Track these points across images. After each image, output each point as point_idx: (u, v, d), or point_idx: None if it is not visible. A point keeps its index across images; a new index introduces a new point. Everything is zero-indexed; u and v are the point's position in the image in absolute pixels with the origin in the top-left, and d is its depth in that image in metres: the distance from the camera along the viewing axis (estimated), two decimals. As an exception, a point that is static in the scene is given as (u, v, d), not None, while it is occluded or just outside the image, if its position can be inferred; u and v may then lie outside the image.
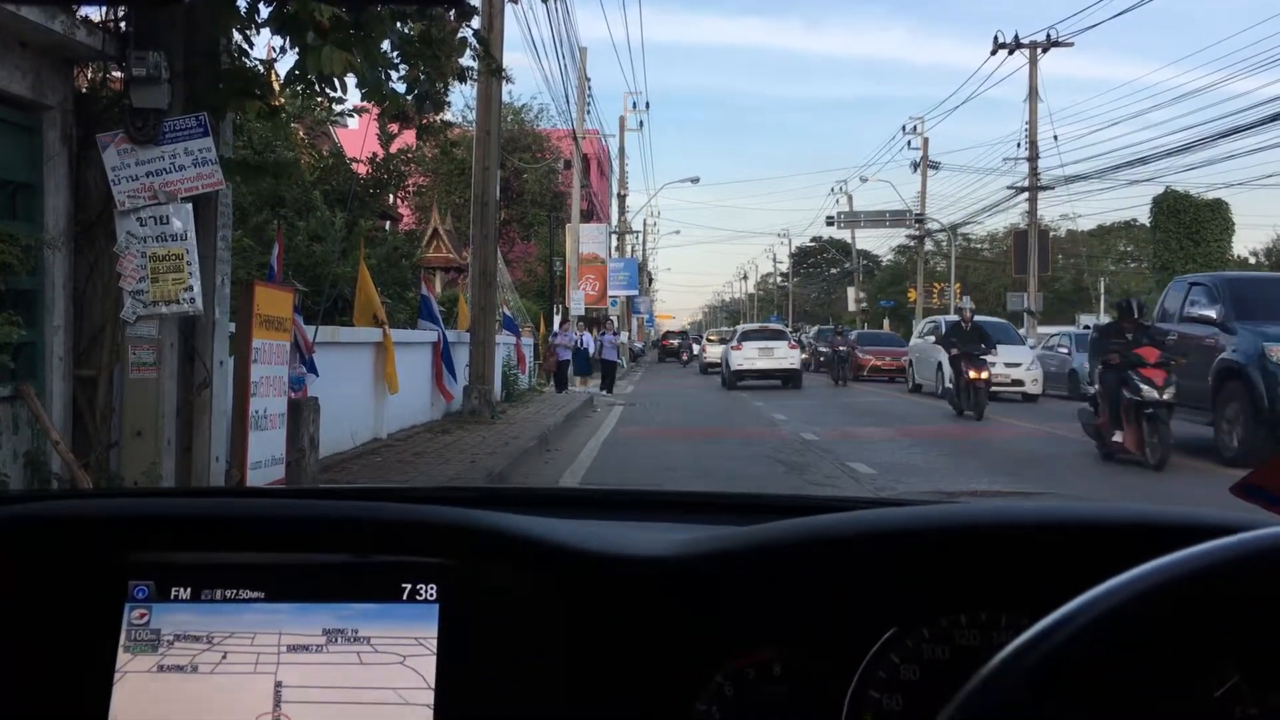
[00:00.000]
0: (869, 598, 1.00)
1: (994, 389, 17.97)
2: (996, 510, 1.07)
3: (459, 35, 6.65)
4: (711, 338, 41.68)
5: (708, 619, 1.01)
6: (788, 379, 27.03)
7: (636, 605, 1.02)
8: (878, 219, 50.24)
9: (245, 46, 6.29)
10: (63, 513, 1.16)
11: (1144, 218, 39.83)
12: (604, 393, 23.28)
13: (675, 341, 53.94)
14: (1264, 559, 0.62)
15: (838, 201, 60.91)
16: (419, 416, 13.88)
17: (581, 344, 26.17)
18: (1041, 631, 0.61)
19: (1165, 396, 10.23)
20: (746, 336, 28.52)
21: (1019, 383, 21.67)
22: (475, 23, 7.14)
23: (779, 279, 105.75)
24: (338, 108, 16.53)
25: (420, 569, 1.03)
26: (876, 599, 1.00)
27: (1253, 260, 53.85)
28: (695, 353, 45.11)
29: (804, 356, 30.90)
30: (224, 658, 1.01)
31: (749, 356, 27.10)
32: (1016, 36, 32.87)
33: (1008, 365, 21.03)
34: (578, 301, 30.42)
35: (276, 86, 6.60)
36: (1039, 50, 32.84)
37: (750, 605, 1.01)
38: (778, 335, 28.82)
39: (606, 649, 1.00)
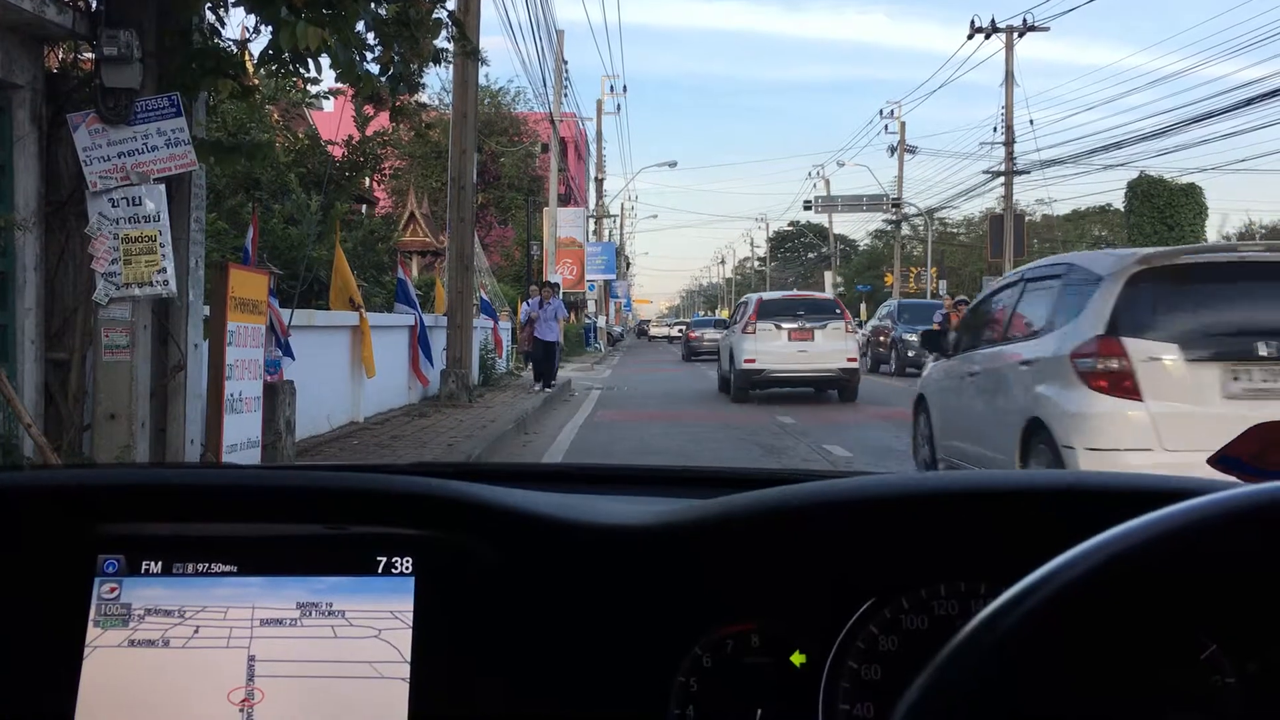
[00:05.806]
0: (847, 568, 1.00)
1: None
2: (972, 477, 1.07)
3: (434, 16, 6.60)
4: (658, 326, 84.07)
5: (686, 589, 1.00)
6: None
7: (614, 575, 1.01)
8: (855, 203, 50.32)
9: (218, 26, 6.22)
10: (31, 483, 1.14)
11: (1119, 202, 40.05)
12: (538, 388, 17.40)
13: (645, 326, 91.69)
14: (1229, 517, 0.61)
15: (815, 186, 61.21)
16: (396, 400, 13.83)
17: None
18: (1009, 601, 0.60)
19: None
20: (668, 325, 75.37)
21: None
22: (450, 3, 7.07)
23: (756, 263, 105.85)
24: (313, 89, 16.38)
25: (395, 541, 1.02)
26: (854, 569, 1.00)
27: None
28: (651, 333, 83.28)
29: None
30: (196, 632, 1.00)
31: (670, 332, 68.94)
32: (993, 20, 32.90)
33: None
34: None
35: (250, 66, 6.53)
36: (1015, 34, 32.89)
37: (728, 575, 1.01)
38: (684, 324, 61.31)
39: (584, 620, 0.99)
